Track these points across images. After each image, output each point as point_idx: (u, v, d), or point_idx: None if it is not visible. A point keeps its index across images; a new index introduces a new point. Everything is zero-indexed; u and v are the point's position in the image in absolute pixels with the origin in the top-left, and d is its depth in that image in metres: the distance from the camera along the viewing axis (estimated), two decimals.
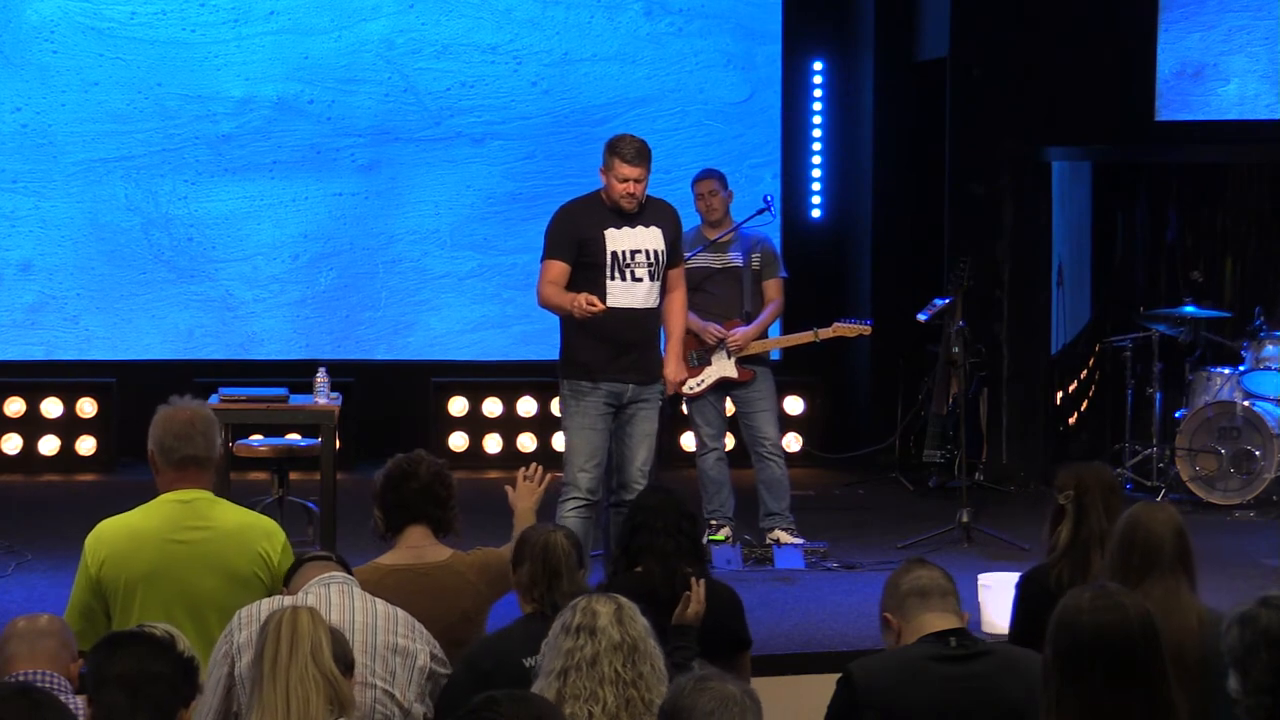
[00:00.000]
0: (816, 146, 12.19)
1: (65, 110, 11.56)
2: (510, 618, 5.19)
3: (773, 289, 9.20)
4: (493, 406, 11.75)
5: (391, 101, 11.81)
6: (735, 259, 9.14)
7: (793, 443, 11.68)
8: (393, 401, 11.59)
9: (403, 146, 11.83)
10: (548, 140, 11.91)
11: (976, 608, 7.46)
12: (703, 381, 9.06)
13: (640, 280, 7.77)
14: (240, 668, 4.57)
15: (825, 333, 9.43)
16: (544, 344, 9.98)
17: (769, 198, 9.43)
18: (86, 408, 11.48)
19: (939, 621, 4.53)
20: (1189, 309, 10.56)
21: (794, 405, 11.87)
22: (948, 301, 9.88)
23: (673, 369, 8.03)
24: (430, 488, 5.57)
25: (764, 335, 9.22)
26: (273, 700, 3.98)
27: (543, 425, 11.65)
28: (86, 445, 11.47)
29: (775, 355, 10.25)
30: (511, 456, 11.18)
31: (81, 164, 11.60)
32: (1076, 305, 11.58)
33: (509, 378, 11.79)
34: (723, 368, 9.10)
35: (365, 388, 11.42)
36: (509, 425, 11.75)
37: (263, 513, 5.54)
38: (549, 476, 6.04)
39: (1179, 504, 9.16)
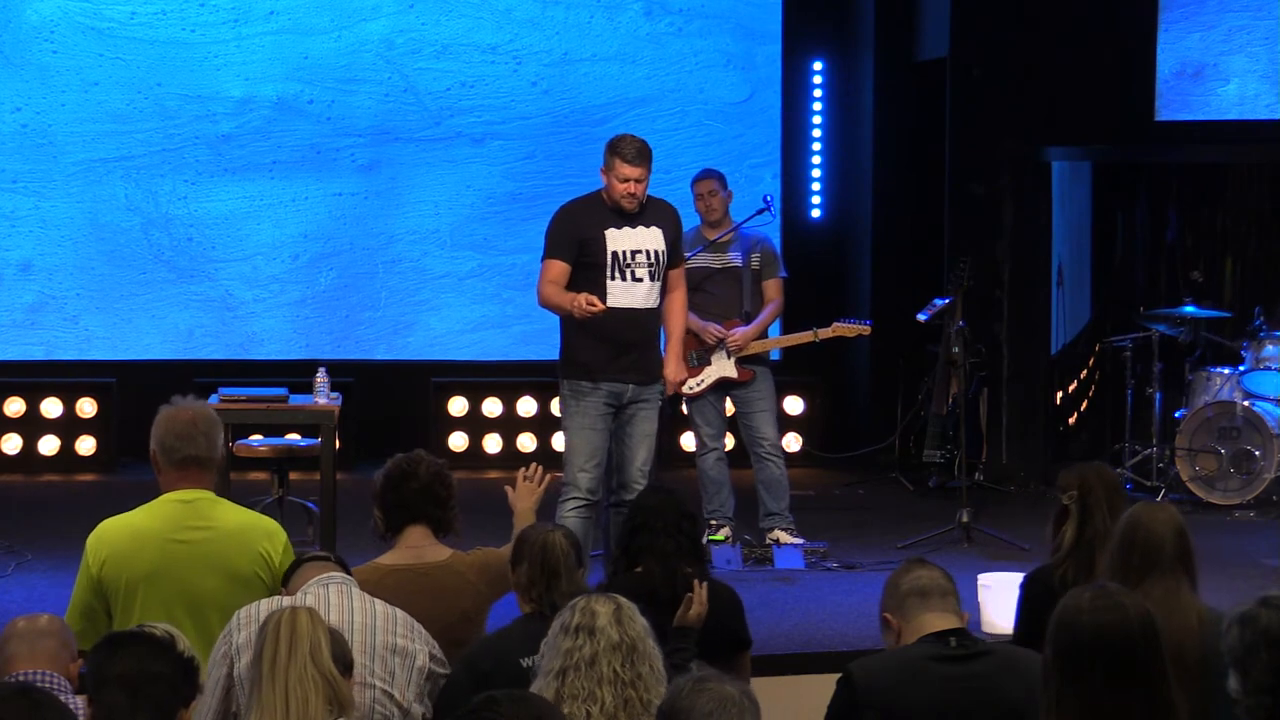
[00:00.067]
0: (816, 146, 12.19)
1: (65, 110, 11.56)
2: (510, 618, 5.19)
3: (772, 289, 9.20)
4: (493, 406, 11.75)
5: (391, 101, 11.81)
6: (735, 259, 9.14)
7: (793, 443, 11.68)
8: (393, 401, 11.59)
9: (403, 146, 11.83)
10: (548, 140, 11.91)
11: (976, 608, 7.46)
12: (702, 381, 9.06)
13: (640, 280, 7.77)
14: (239, 668, 4.57)
15: (825, 333, 9.43)
16: (544, 344, 9.98)
17: (769, 198, 9.43)
18: (86, 408, 11.48)
19: (939, 621, 4.53)
20: (1189, 309, 10.56)
21: (794, 405, 11.87)
22: (948, 301, 9.88)
23: (673, 369, 8.03)
24: (430, 488, 5.57)
25: (764, 335, 9.22)
26: (272, 701, 3.98)
27: (543, 425, 11.65)
28: (86, 445, 11.47)
29: (775, 355, 10.26)
30: (511, 456, 11.18)
31: (81, 164, 11.60)
32: (1076, 305, 11.58)
33: (509, 378, 11.79)
34: (722, 368, 9.10)
35: (365, 388, 11.42)
36: (509, 425, 11.75)
37: (263, 513, 5.54)
38: (549, 477, 6.04)
39: (1179, 504, 9.15)
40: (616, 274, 7.74)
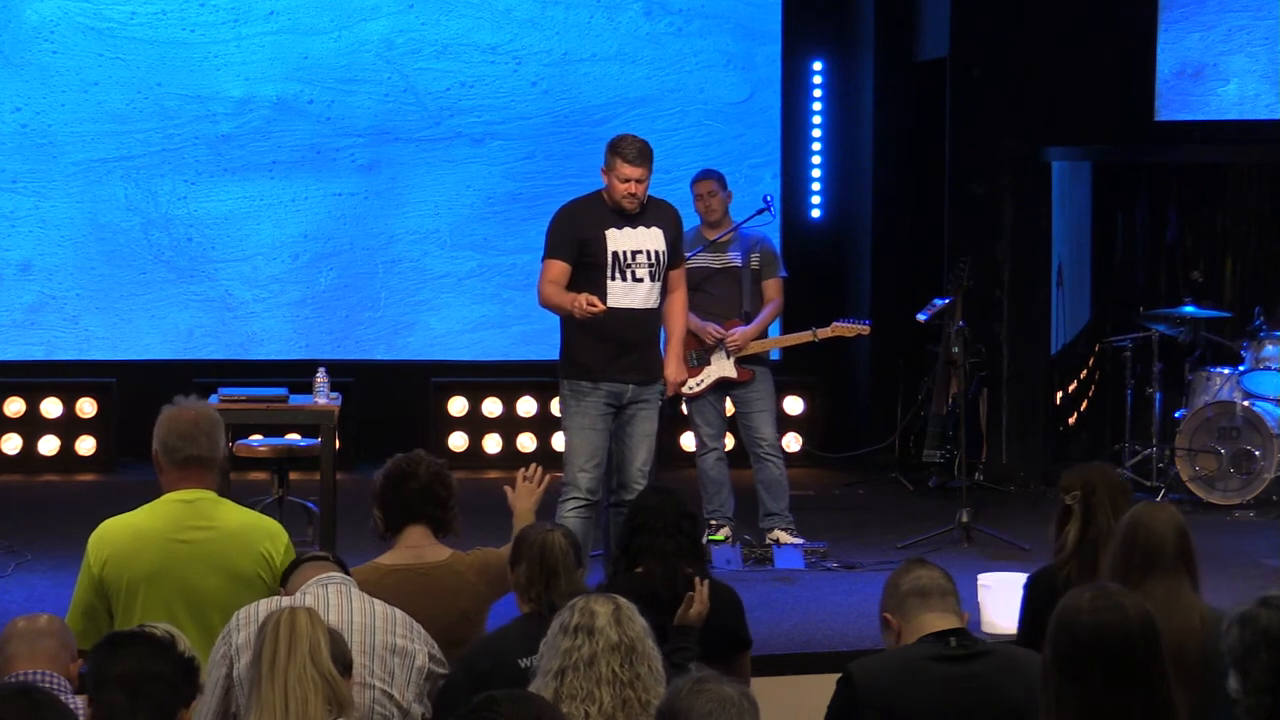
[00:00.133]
0: (816, 146, 12.19)
1: (65, 110, 11.56)
2: (510, 618, 5.19)
3: (772, 289, 9.20)
4: (492, 406, 11.75)
5: (391, 101, 11.81)
6: (734, 259, 9.14)
7: (793, 443, 11.68)
8: (393, 401, 11.59)
9: (403, 146, 11.83)
10: (548, 140, 11.90)
11: (976, 608, 7.46)
12: (702, 381, 9.06)
13: (641, 281, 7.77)
14: (239, 668, 4.57)
15: (824, 332, 9.43)
16: (544, 344, 9.98)
17: (769, 198, 9.43)
18: (86, 408, 11.48)
19: (939, 621, 4.53)
20: (1189, 309, 10.56)
21: (794, 405, 11.87)
22: (948, 301, 9.88)
23: (673, 370, 8.03)
24: (430, 488, 5.57)
25: (763, 335, 9.22)
26: (271, 701, 3.98)
27: (542, 425, 11.65)
28: (86, 445, 11.47)
29: (775, 355, 10.26)
30: (511, 456, 11.18)
31: (81, 164, 11.60)
32: (1076, 305, 11.58)
33: (509, 378, 11.79)
34: (722, 368, 9.10)
35: (365, 388, 11.42)
36: (509, 425, 11.75)
37: (262, 513, 5.54)
38: (548, 477, 6.04)
39: (1179, 504, 9.14)
40: (617, 274, 7.74)
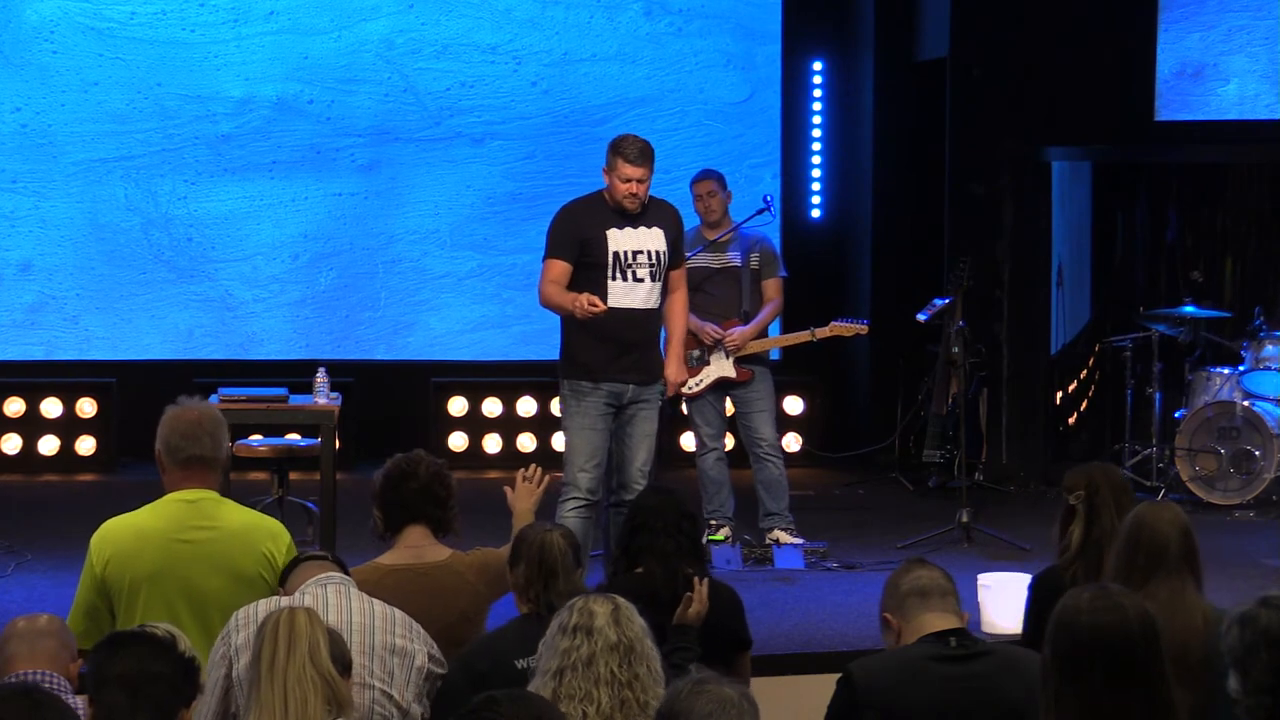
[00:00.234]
0: (816, 146, 12.19)
1: (65, 110, 11.56)
2: (510, 618, 5.19)
3: (772, 289, 9.19)
4: (492, 406, 11.74)
5: (391, 101, 11.81)
6: (734, 259, 9.14)
7: (792, 443, 11.68)
8: (392, 401, 11.58)
9: (403, 146, 11.83)
10: (548, 140, 11.90)
11: (976, 608, 7.46)
12: (701, 381, 9.06)
13: (641, 281, 7.77)
14: (238, 669, 4.57)
15: (822, 332, 9.43)
16: (544, 344, 9.98)
17: (768, 198, 9.42)
18: (86, 408, 11.48)
19: (939, 621, 4.53)
20: (1189, 309, 10.56)
21: (794, 405, 11.87)
22: (948, 301, 9.88)
23: (673, 370, 8.03)
24: (429, 488, 5.57)
25: (763, 335, 9.22)
26: (270, 701, 3.98)
27: (542, 425, 11.64)
28: (86, 445, 11.47)
29: (775, 355, 10.26)
30: (511, 457, 11.19)
31: (81, 164, 11.60)
32: (1076, 305, 11.58)
33: (509, 378, 11.78)
34: (721, 368, 9.09)
35: (365, 388, 11.42)
36: (509, 425, 11.74)
37: (263, 513, 5.54)
38: (548, 477, 6.04)
39: (1179, 504, 9.13)
40: (618, 274, 7.74)
